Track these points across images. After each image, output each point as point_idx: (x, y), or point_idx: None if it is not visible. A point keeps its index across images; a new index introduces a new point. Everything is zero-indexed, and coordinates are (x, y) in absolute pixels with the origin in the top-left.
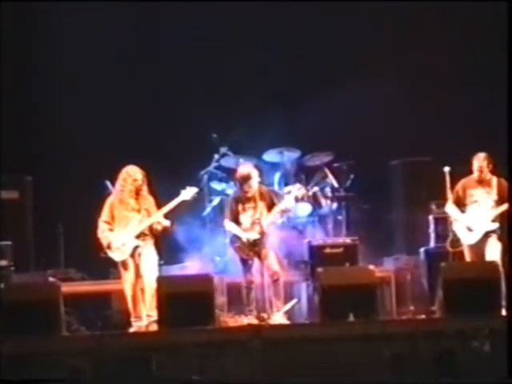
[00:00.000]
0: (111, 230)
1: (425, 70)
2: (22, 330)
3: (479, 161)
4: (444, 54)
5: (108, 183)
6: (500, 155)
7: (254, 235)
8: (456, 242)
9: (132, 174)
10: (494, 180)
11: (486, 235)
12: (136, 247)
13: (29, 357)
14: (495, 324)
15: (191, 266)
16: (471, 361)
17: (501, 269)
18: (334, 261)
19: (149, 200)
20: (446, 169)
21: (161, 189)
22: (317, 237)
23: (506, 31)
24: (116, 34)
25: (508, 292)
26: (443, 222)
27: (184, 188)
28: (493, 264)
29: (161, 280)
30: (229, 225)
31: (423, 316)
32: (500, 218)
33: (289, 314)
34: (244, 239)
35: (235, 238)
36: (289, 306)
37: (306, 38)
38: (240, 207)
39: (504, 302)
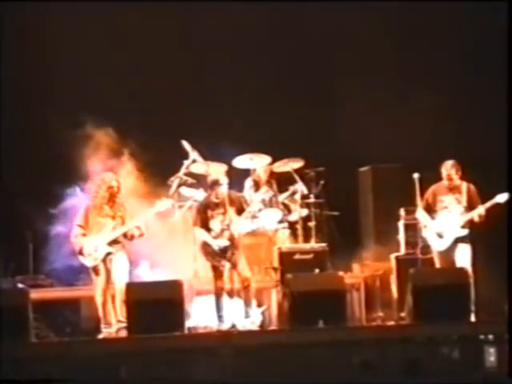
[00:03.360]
0: (84, 234)
1: (397, 76)
2: None
3: (447, 169)
4: (428, 58)
5: (78, 189)
6: (469, 160)
7: (223, 242)
8: (426, 248)
9: (107, 180)
10: (464, 185)
11: (456, 241)
12: (108, 253)
13: None
14: (464, 330)
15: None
16: (440, 367)
17: (470, 274)
18: (304, 267)
19: (123, 207)
20: (416, 175)
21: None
22: (286, 243)
23: (506, 31)
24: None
25: (508, 294)
26: (413, 228)
27: (160, 199)
28: (462, 270)
29: (130, 286)
30: (199, 232)
31: (392, 322)
32: (470, 224)
33: (259, 320)
34: (214, 246)
35: (205, 245)
36: (259, 312)
37: (281, 44)
38: (209, 213)
39: (473, 308)
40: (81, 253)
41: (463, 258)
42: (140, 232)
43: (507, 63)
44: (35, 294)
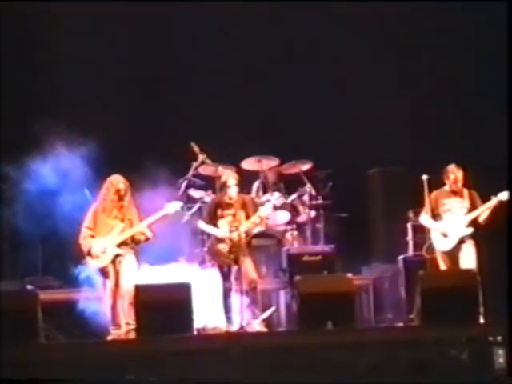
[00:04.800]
0: (93, 236)
1: (405, 80)
2: None
3: (454, 172)
4: (428, 60)
5: (87, 191)
6: (474, 165)
7: (228, 234)
8: (432, 248)
9: (115, 183)
10: (466, 191)
11: (461, 241)
12: (117, 255)
13: (6, 365)
14: (473, 332)
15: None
16: (449, 369)
17: (477, 276)
18: (312, 269)
19: (132, 210)
20: (424, 177)
21: (141, 197)
22: (295, 245)
23: (506, 31)
24: (97, 42)
25: (508, 296)
26: (421, 230)
27: (168, 201)
28: (470, 272)
29: (138, 288)
30: (204, 226)
31: (401, 324)
32: (474, 224)
33: (267, 321)
34: (220, 243)
35: (213, 245)
36: (267, 313)
37: (289, 46)
38: (219, 212)
39: (482, 310)
40: (89, 254)
41: (468, 258)
42: (145, 236)
43: (507, 63)
44: (44, 296)
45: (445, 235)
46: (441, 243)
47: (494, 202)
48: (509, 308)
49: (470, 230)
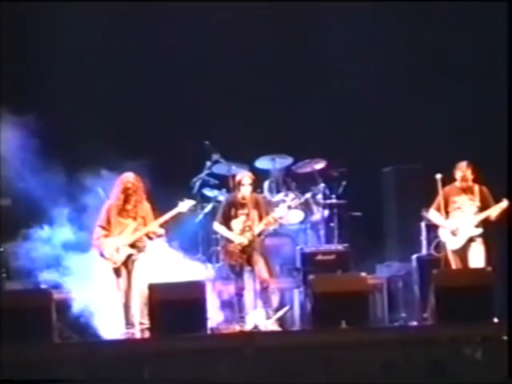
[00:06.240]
0: (106, 235)
1: (416, 78)
2: (14, 338)
3: (462, 170)
4: (439, 59)
5: (100, 190)
6: (485, 162)
7: (243, 240)
8: (440, 246)
9: (124, 181)
10: (476, 188)
11: (470, 240)
12: (130, 255)
13: (21, 364)
14: (487, 331)
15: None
16: (463, 368)
17: (491, 275)
18: (326, 268)
19: (145, 207)
20: (438, 176)
21: (155, 196)
22: (309, 244)
23: (506, 31)
24: (112, 35)
25: (508, 296)
26: (435, 229)
27: (181, 199)
28: (484, 271)
29: (152, 287)
30: (218, 227)
31: (415, 323)
32: (484, 223)
33: (281, 321)
34: (233, 243)
35: (226, 244)
36: (281, 313)
37: (298, 40)
38: (233, 212)
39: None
40: (102, 255)
41: (477, 256)
42: (157, 234)
43: (507, 63)
44: (58, 295)
45: (454, 234)
46: (450, 242)
47: (504, 204)
48: (509, 312)
49: (480, 230)
